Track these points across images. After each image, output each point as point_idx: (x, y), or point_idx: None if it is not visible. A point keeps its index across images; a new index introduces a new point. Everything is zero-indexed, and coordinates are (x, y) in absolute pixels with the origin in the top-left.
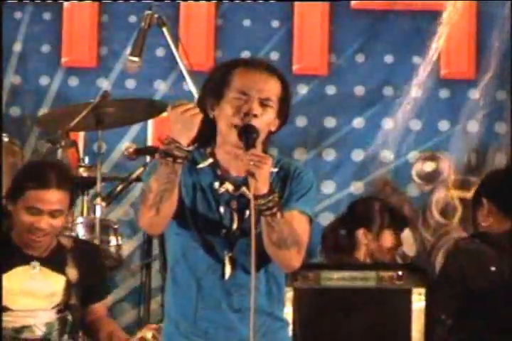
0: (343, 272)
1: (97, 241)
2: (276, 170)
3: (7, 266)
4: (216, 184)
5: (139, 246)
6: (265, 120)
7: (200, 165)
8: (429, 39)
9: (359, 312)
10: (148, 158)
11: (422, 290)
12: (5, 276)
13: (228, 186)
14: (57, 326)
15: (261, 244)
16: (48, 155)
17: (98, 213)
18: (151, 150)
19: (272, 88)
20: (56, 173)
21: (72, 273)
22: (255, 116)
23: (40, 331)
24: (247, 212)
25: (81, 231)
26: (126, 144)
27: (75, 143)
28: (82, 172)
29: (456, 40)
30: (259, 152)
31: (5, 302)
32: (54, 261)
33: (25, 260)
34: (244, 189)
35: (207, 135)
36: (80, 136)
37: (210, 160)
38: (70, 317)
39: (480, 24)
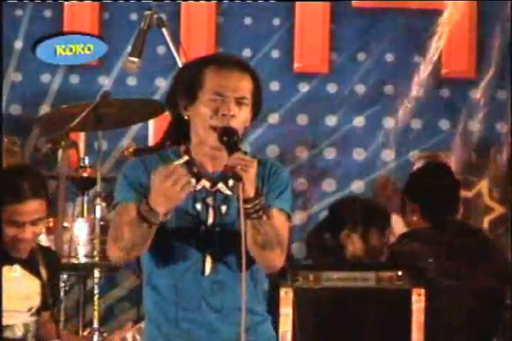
0: (343, 272)
1: (96, 242)
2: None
3: None
4: (192, 180)
5: None
6: (242, 119)
7: (175, 163)
8: (430, 38)
9: (359, 312)
10: None
11: (422, 291)
12: None
13: (205, 183)
14: (32, 328)
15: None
16: (47, 155)
17: (98, 213)
18: (151, 151)
19: (246, 86)
20: (29, 183)
21: (44, 273)
22: (233, 116)
23: (19, 331)
24: (224, 208)
25: (81, 232)
26: (126, 144)
27: (75, 143)
28: (82, 172)
29: (457, 39)
30: (242, 154)
31: None
32: (31, 263)
33: (9, 261)
34: (220, 185)
35: (179, 133)
36: (81, 136)
37: (186, 158)
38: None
39: (480, 23)
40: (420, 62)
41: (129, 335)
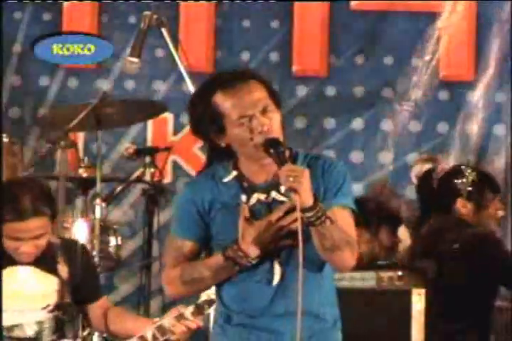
0: (343, 272)
1: (96, 242)
2: (303, 167)
3: None
4: (243, 197)
5: (139, 246)
6: (277, 125)
7: (226, 179)
8: (429, 40)
9: (359, 312)
10: (147, 159)
11: (422, 291)
12: None
13: (259, 195)
14: (48, 325)
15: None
16: (47, 155)
17: (98, 213)
18: (151, 151)
19: (261, 94)
20: (31, 200)
21: (64, 270)
22: (269, 129)
23: (30, 330)
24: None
25: (81, 232)
26: (125, 145)
27: (74, 144)
28: (82, 172)
29: (456, 41)
30: (292, 166)
31: None
32: (45, 261)
33: (14, 262)
34: (274, 194)
35: (224, 153)
36: (80, 137)
37: (235, 173)
38: (63, 316)
39: (479, 26)
40: (419, 65)
41: (149, 334)
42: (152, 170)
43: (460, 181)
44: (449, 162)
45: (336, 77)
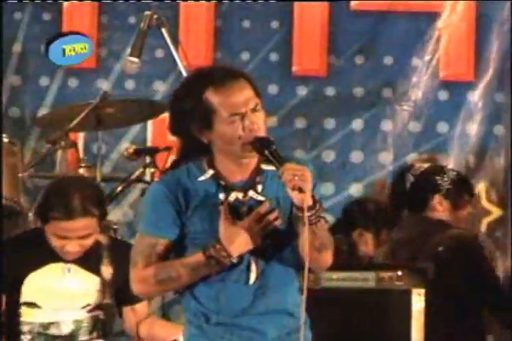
0: (343, 273)
1: None
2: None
3: (39, 263)
4: (221, 195)
5: None
6: (264, 123)
7: (201, 178)
8: (429, 41)
9: (359, 312)
10: (148, 159)
11: (422, 291)
12: (36, 273)
13: (237, 194)
14: (86, 323)
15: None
16: (47, 155)
17: None
18: (151, 151)
19: (250, 92)
20: (81, 199)
21: (107, 271)
22: (259, 127)
23: (67, 328)
24: None
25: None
26: (125, 145)
27: (74, 144)
28: (82, 172)
29: (456, 41)
30: (292, 164)
31: (33, 299)
32: (89, 260)
33: (59, 258)
34: (251, 193)
35: (197, 151)
36: (80, 137)
37: (211, 172)
38: (102, 316)
39: (479, 26)
40: (419, 65)
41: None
42: (152, 170)
43: (441, 178)
44: (449, 162)
45: (336, 77)
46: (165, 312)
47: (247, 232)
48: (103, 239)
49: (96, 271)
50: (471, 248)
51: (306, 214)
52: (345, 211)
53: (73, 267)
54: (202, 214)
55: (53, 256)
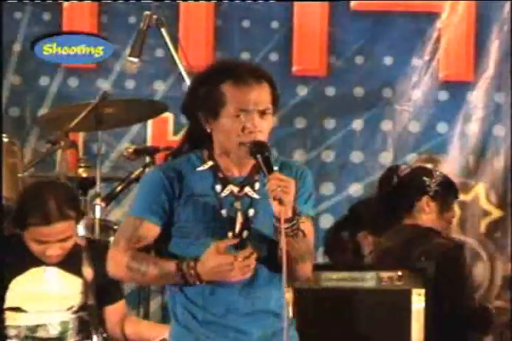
0: (343, 273)
1: None
2: (276, 168)
3: (21, 269)
4: (218, 187)
5: None
6: (268, 129)
7: (200, 168)
8: (429, 41)
9: (359, 312)
10: (147, 159)
11: (422, 291)
12: (18, 279)
13: (233, 188)
14: (72, 325)
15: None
16: (47, 155)
17: (97, 213)
18: (151, 151)
19: (267, 96)
20: (57, 203)
21: (88, 272)
22: (260, 131)
23: (54, 330)
24: (251, 212)
25: (80, 232)
26: (125, 145)
27: (74, 144)
28: (82, 172)
29: (455, 42)
30: (279, 174)
31: (18, 304)
32: (70, 263)
33: (41, 262)
34: (247, 189)
35: (199, 140)
36: (80, 137)
37: (210, 163)
38: (87, 317)
39: (479, 26)
40: (418, 65)
41: None
42: None
43: (429, 179)
44: (448, 162)
45: (336, 77)
46: (165, 312)
47: (226, 266)
48: (81, 240)
49: (77, 272)
50: (452, 260)
51: (283, 225)
52: (352, 210)
53: (55, 270)
54: (195, 204)
55: (34, 261)
